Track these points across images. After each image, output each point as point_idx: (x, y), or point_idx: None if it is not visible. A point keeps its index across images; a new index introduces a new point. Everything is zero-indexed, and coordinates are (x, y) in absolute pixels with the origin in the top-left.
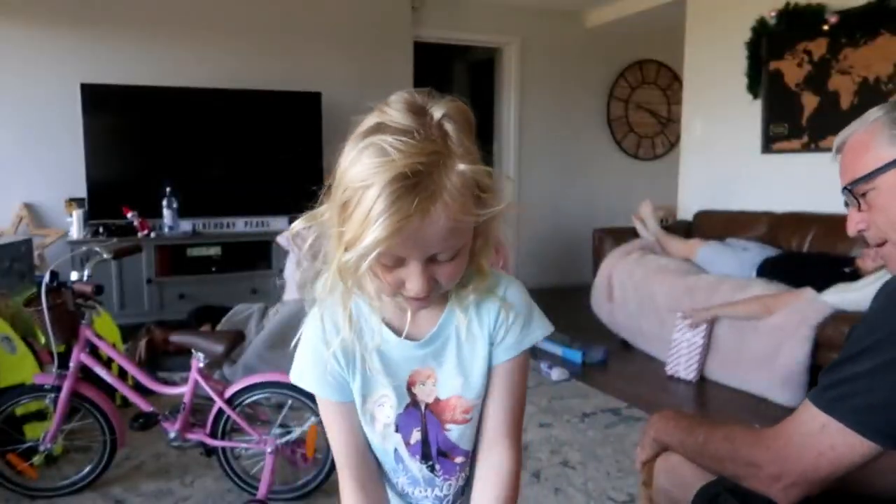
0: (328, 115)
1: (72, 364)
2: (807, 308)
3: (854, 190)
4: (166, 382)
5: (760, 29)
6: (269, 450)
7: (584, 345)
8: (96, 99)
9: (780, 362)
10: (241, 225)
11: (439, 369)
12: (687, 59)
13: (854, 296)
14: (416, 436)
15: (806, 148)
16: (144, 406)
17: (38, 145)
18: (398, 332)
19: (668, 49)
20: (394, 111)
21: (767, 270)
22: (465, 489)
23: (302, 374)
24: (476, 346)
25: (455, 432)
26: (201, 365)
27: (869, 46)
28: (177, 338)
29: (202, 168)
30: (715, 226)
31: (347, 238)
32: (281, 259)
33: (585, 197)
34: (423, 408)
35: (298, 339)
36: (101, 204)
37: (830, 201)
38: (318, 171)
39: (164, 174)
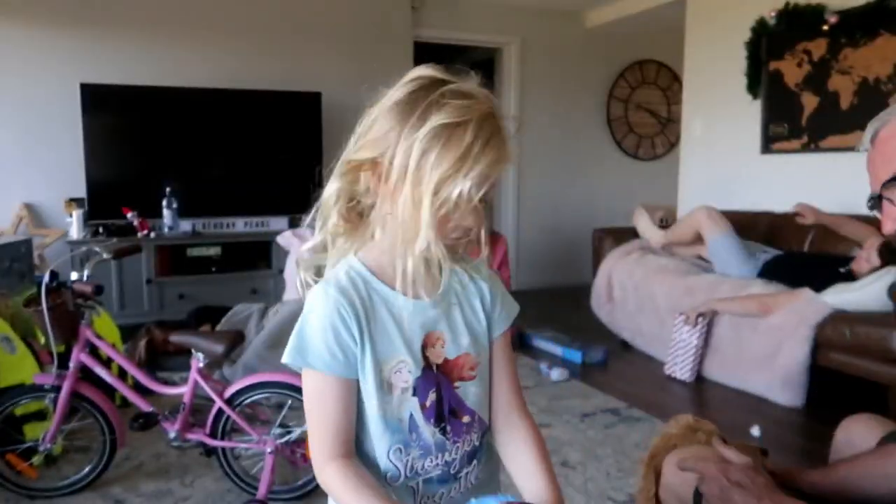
0: (328, 115)
1: (71, 364)
2: (806, 308)
3: None
4: (166, 382)
5: (760, 29)
6: (268, 450)
7: (584, 345)
8: (96, 99)
9: (779, 362)
10: (240, 225)
11: (448, 329)
12: (687, 59)
13: (853, 296)
14: (431, 397)
15: (806, 148)
16: (144, 406)
17: (38, 145)
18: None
19: (668, 49)
20: (435, 72)
21: (767, 270)
22: (472, 458)
23: (303, 351)
24: (475, 306)
25: (462, 389)
26: (201, 365)
27: (869, 46)
28: (176, 338)
29: (202, 168)
30: None
31: (437, 178)
32: (281, 259)
33: (585, 197)
34: (435, 369)
35: None
36: (100, 204)
37: (830, 201)
38: (317, 172)
39: (163, 174)
